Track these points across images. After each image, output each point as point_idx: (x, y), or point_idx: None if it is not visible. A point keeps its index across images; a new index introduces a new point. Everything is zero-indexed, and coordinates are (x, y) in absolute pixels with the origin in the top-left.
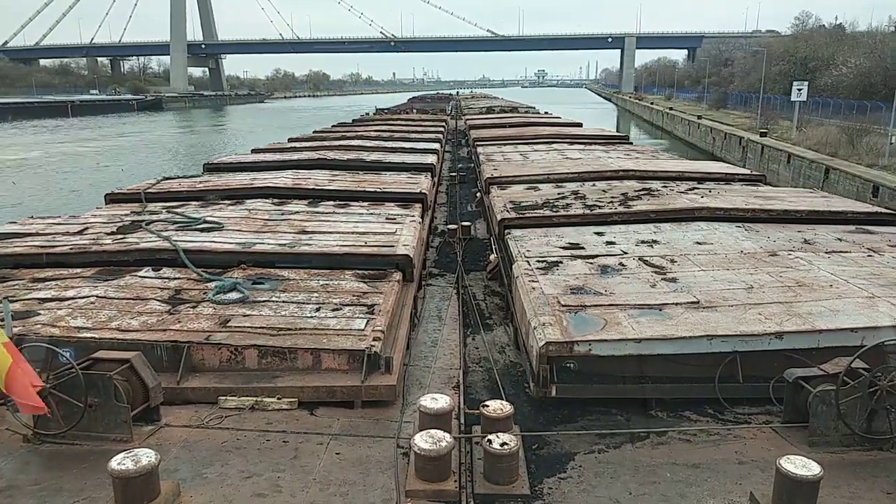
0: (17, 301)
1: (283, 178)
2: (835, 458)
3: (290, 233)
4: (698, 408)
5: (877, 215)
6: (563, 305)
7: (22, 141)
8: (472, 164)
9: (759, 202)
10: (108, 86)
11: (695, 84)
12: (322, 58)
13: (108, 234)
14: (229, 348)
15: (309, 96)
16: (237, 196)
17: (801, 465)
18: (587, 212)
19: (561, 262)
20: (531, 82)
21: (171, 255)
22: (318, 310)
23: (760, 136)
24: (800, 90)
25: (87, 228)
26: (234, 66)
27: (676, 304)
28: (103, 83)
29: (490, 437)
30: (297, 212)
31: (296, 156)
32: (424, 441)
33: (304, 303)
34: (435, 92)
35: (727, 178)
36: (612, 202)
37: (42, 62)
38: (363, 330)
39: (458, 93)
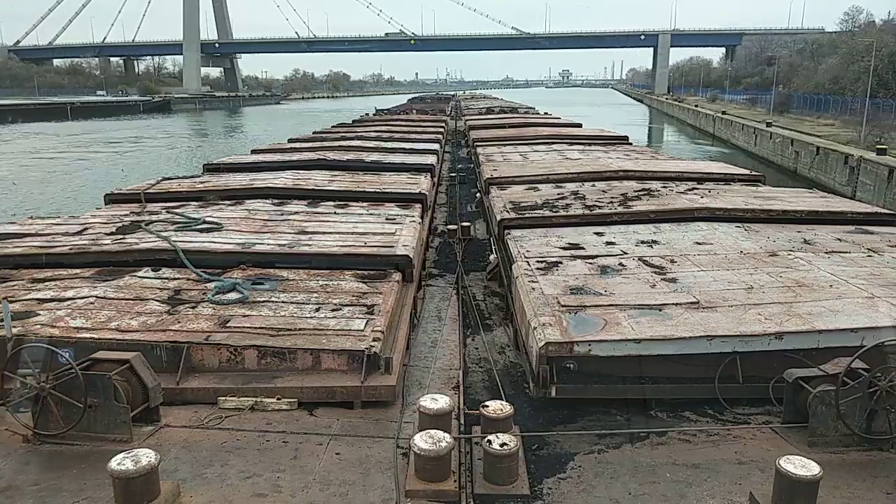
0: (16, 301)
1: (283, 179)
2: (834, 458)
3: (289, 233)
4: (698, 408)
5: (876, 215)
6: (562, 306)
7: None
8: (472, 165)
9: (758, 202)
10: (117, 86)
11: (735, 84)
12: (343, 59)
13: (107, 234)
14: (229, 349)
15: (327, 97)
16: (237, 196)
17: (800, 466)
18: (587, 212)
19: (561, 263)
20: (555, 82)
21: (170, 255)
22: (317, 310)
23: (878, 153)
24: None
25: (86, 229)
26: (253, 66)
27: (676, 304)
28: (115, 83)
29: (490, 437)
30: (296, 212)
31: (295, 156)
32: (424, 441)
33: (303, 303)
34: (435, 92)
35: (727, 179)
36: (611, 202)
37: (56, 62)
38: (363, 330)
39: (457, 94)
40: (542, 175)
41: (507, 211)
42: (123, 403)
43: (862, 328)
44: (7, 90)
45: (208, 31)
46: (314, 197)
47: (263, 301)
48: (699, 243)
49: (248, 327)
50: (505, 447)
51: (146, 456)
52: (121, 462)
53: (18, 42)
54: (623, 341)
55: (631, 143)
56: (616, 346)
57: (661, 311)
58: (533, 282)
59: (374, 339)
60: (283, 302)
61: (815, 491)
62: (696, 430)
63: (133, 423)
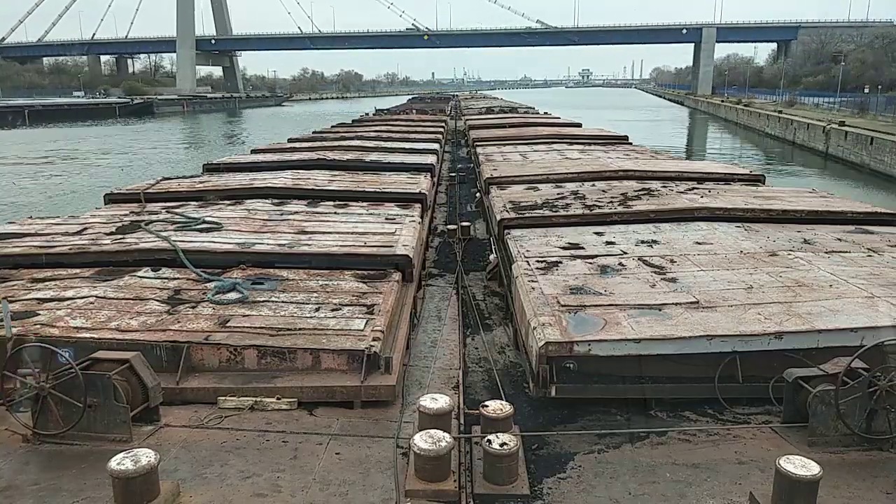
0: (16, 301)
1: (283, 179)
2: (834, 458)
3: (289, 233)
4: (698, 408)
5: (876, 215)
6: (562, 305)
7: None
8: (472, 165)
9: (758, 202)
10: (98, 87)
11: (793, 84)
12: (356, 59)
13: (107, 234)
14: (229, 348)
15: (337, 98)
16: (236, 196)
17: (800, 465)
18: (587, 212)
19: (560, 262)
20: (575, 82)
21: (170, 255)
22: (317, 310)
23: None
24: None
25: (86, 229)
26: (259, 65)
27: (676, 304)
28: (104, 84)
29: (490, 437)
30: (296, 212)
31: (295, 156)
32: (424, 441)
33: (303, 303)
34: (437, 92)
35: (727, 178)
36: (611, 202)
37: (46, 61)
38: (363, 330)
39: (457, 95)
40: (541, 175)
41: (507, 211)
42: (123, 403)
43: (862, 328)
44: None
45: (205, 28)
46: (314, 197)
47: (263, 301)
48: (699, 243)
49: (247, 327)
50: (505, 447)
51: (146, 456)
52: (120, 462)
53: (4, 39)
54: (623, 341)
55: (631, 143)
56: (616, 346)
57: (660, 310)
58: (533, 281)
59: (373, 339)
60: (282, 302)
61: (815, 491)
62: (696, 429)
63: (133, 422)
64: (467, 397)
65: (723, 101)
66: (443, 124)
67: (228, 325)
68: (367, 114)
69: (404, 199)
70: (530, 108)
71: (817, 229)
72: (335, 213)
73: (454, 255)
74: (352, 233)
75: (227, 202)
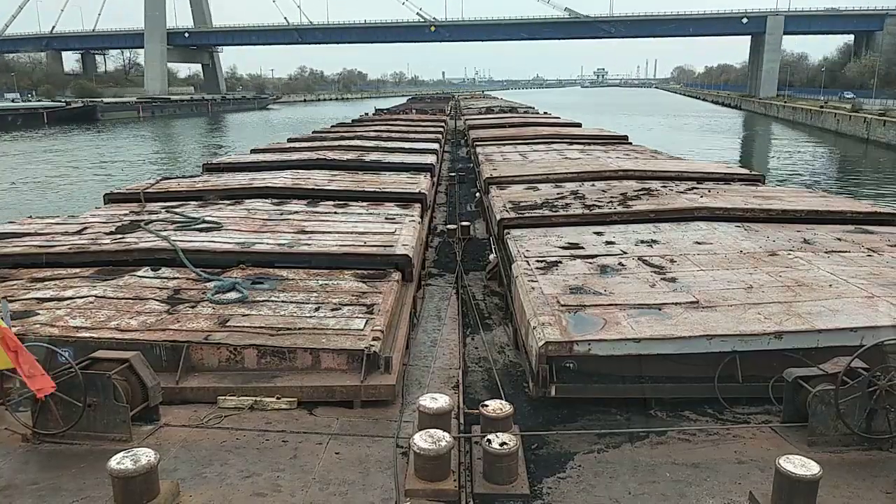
0: (15, 301)
1: (283, 178)
2: (834, 457)
3: (289, 233)
4: (698, 407)
5: (876, 215)
6: (562, 305)
7: None
8: (472, 164)
9: (758, 202)
10: (44, 86)
11: (886, 85)
12: (361, 57)
13: (107, 233)
14: (228, 348)
15: (337, 99)
16: (236, 196)
17: (800, 465)
18: (586, 212)
19: (560, 262)
20: (591, 82)
21: (170, 254)
22: (317, 310)
23: None
24: None
25: (85, 228)
26: (253, 65)
27: (676, 303)
28: (65, 83)
29: (489, 436)
30: (296, 212)
31: (295, 156)
32: (424, 440)
33: (303, 303)
34: (438, 92)
35: (726, 178)
36: (611, 202)
37: (8, 57)
38: (362, 330)
39: (457, 95)
40: (541, 174)
41: (507, 210)
42: (123, 403)
43: (861, 328)
44: None
45: (180, 20)
46: (314, 196)
47: (263, 300)
48: (699, 243)
49: (247, 327)
50: (504, 446)
51: (145, 455)
52: (120, 461)
53: None
54: (622, 341)
55: (630, 143)
56: (616, 346)
57: (660, 310)
58: (532, 281)
59: (373, 339)
60: (282, 301)
61: (815, 490)
62: (696, 429)
63: (132, 422)
64: (467, 397)
65: (822, 107)
66: (442, 124)
67: (228, 324)
68: (366, 114)
69: (404, 199)
70: (530, 107)
71: (817, 229)
72: (335, 212)
73: (454, 254)
74: (351, 232)
75: (227, 202)
